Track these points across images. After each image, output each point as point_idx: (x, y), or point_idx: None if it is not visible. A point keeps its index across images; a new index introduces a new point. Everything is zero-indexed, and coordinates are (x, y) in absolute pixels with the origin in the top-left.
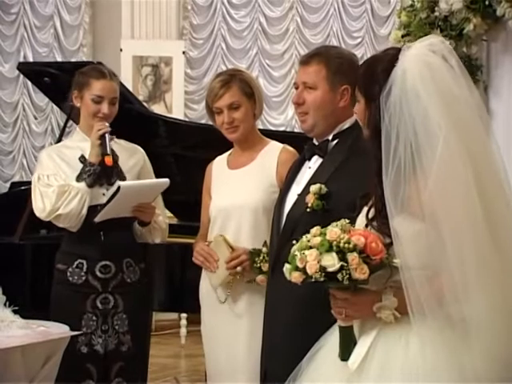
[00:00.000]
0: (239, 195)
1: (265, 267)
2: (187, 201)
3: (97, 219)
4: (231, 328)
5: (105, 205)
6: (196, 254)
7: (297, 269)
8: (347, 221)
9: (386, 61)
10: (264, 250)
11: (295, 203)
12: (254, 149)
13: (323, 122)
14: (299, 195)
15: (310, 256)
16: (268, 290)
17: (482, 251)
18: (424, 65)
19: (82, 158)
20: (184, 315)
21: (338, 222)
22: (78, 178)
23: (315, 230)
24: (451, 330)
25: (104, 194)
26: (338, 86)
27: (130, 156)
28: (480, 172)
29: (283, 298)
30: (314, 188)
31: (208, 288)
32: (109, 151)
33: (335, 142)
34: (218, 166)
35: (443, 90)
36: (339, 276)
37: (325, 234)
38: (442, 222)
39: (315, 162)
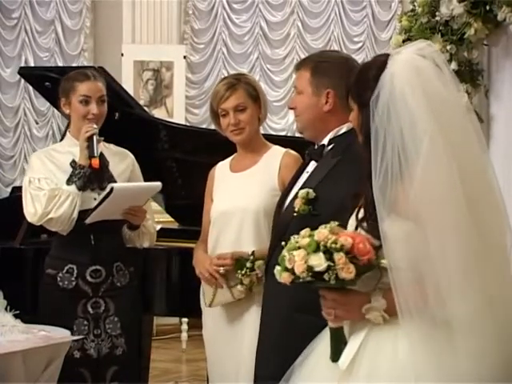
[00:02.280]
0: (241, 198)
1: (246, 281)
2: (188, 205)
3: (88, 220)
4: (234, 331)
5: (97, 206)
6: (205, 270)
7: (286, 269)
8: (336, 223)
9: (376, 67)
10: (248, 264)
11: (287, 207)
12: (257, 152)
13: (310, 126)
14: (291, 200)
15: (298, 256)
16: (263, 292)
17: (466, 253)
18: (412, 69)
19: (73, 163)
20: (185, 320)
21: (328, 224)
22: (68, 181)
23: (304, 231)
24: (437, 331)
25: (95, 199)
26: (321, 89)
27: (120, 160)
28: (467, 175)
29: (274, 300)
30: (301, 193)
31: None
32: (96, 153)
33: (330, 146)
34: (221, 170)
35: (431, 93)
36: (326, 276)
37: (313, 235)
38: (427, 223)
39: (312, 167)
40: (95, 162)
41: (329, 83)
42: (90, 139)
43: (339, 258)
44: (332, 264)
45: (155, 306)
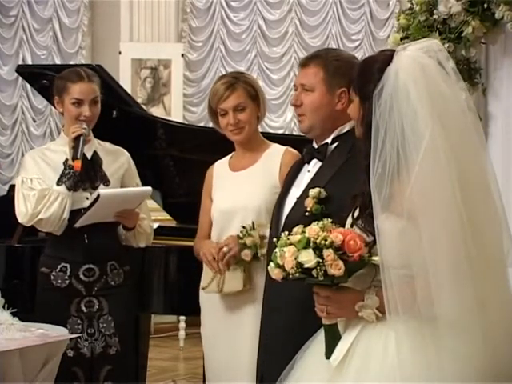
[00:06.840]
0: (242, 196)
1: (248, 240)
2: (186, 203)
3: (77, 225)
4: (233, 330)
5: (85, 211)
6: (209, 253)
7: (278, 266)
8: (330, 220)
9: (381, 60)
10: (247, 227)
11: (294, 206)
12: (256, 151)
13: (320, 124)
14: (298, 199)
15: (288, 252)
16: (265, 291)
17: (457, 253)
18: (417, 66)
19: (66, 162)
20: (183, 318)
21: (321, 221)
22: (59, 182)
23: (297, 228)
24: (423, 330)
25: (87, 198)
26: (335, 88)
27: (114, 159)
28: (466, 174)
29: (280, 300)
30: (313, 192)
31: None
32: (79, 155)
33: (335, 145)
34: (219, 169)
35: (434, 91)
36: (314, 272)
37: (305, 232)
38: (421, 220)
39: (314, 166)
40: (77, 165)
41: (343, 82)
42: (76, 140)
43: (328, 254)
44: (321, 260)
45: (153, 304)
